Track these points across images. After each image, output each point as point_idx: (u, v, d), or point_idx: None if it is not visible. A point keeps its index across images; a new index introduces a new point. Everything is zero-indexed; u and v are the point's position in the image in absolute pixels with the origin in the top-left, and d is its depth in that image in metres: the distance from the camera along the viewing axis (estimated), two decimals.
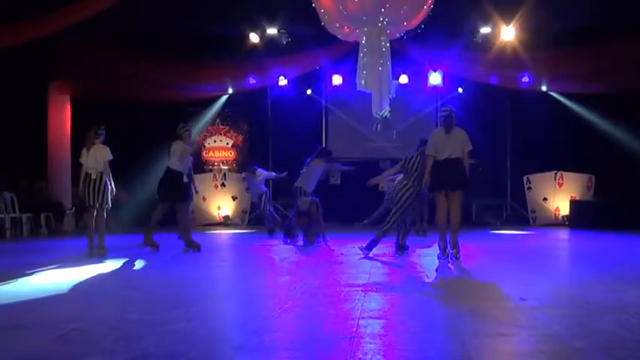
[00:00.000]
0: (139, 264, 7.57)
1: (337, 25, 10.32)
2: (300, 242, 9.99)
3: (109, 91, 13.94)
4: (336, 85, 15.76)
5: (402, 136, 15.58)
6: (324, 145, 16.33)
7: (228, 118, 16.64)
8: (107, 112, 12.57)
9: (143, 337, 3.68)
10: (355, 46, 10.77)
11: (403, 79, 15.35)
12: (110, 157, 8.32)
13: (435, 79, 15.64)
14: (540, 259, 8.33)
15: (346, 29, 10.38)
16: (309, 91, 16.12)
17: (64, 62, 13.61)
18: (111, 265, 7.49)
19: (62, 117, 14.54)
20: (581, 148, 14.77)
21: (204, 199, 15.08)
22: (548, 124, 15.28)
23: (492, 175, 15.39)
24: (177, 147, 8.80)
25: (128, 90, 14.11)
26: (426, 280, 6.21)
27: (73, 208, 13.81)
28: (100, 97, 13.87)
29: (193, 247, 8.92)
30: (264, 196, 11.61)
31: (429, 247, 9.03)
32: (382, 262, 7.64)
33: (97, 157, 8.26)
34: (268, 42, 14.46)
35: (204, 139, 16.57)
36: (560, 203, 14.86)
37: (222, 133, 16.70)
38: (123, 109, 14.14)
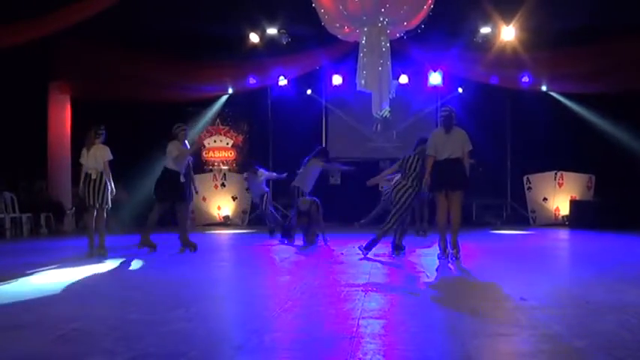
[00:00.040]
0: (139, 264, 7.57)
1: (337, 25, 10.32)
2: (299, 242, 9.99)
3: (109, 91, 13.94)
4: (336, 85, 15.76)
5: (402, 136, 15.57)
6: (324, 145, 16.36)
7: (229, 118, 16.64)
8: (107, 112, 12.57)
9: (143, 337, 3.68)
10: (355, 46, 10.76)
11: (403, 79, 15.35)
12: (110, 157, 8.32)
13: (435, 79, 15.64)
14: (540, 259, 8.33)
15: (346, 29, 10.37)
16: (309, 91, 16.12)
17: (64, 62, 13.61)
18: (111, 265, 7.49)
19: (62, 117, 14.55)
20: (581, 148, 14.77)
21: (204, 199, 15.08)
22: (548, 124, 15.27)
23: (492, 175, 15.39)
24: (173, 147, 8.81)
25: (128, 90, 14.11)
26: (426, 280, 6.21)
27: (73, 208, 13.81)
28: (100, 97, 13.87)
29: (190, 247, 8.93)
30: (265, 196, 11.61)
31: (429, 247, 9.03)
32: (382, 262, 7.63)
33: (97, 157, 8.26)
34: (268, 42, 14.46)
35: (204, 139, 16.57)
36: (560, 203, 14.86)
37: (222, 133, 16.70)
38: (123, 109, 14.14)
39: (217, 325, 4.22)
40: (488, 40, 14.19)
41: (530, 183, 15.24)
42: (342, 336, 3.70)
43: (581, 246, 10.76)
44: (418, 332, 3.86)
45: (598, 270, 6.86)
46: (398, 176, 8.28)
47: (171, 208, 8.98)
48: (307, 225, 9.82)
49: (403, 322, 4.19)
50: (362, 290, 5.36)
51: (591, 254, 9.16)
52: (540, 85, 15.36)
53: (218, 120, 16.58)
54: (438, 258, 7.59)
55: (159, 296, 5.24)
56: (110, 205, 8.52)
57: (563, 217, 14.76)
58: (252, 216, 15.38)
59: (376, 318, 4.24)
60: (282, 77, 15.49)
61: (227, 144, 16.71)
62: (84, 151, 8.37)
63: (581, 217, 13.94)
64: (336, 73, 15.57)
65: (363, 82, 10.15)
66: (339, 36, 10.83)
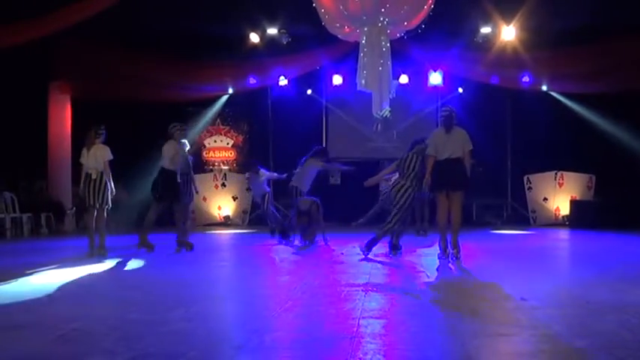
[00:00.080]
0: (139, 264, 7.57)
1: (338, 24, 10.31)
2: (297, 242, 9.98)
3: (109, 91, 13.94)
4: (336, 85, 15.76)
5: (403, 136, 15.54)
6: (324, 144, 16.36)
7: (229, 118, 16.64)
8: (107, 112, 12.56)
9: (143, 337, 3.68)
10: (355, 46, 10.76)
11: (403, 79, 15.35)
12: (110, 157, 8.31)
13: (436, 79, 15.64)
14: (541, 259, 8.33)
15: (346, 29, 10.37)
16: (309, 91, 16.12)
17: (64, 62, 13.61)
18: (111, 265, 7.49)
19: (62, 117, 14.55)
20: (581, 148, 14.76)
21: (204, 199, 15.07)
22: (548, 124, 15.26)
23: (493, 175, 15.39)
24: (169, 147, 8.82)
25: (128, 90, 14.11)
26: (427, 280, 6.20)
27: (74, 208, 13.81)
28: (101, 97, 13.87)
29: (186, 246, 8.93)
30: (266, 195, 11.61)
31: (429, 246, 9.02)
32: (382, 262, 7.63)
33: (97, 157, 8.26)
34: (269, 42, 14.46)
35: (205, 139, 16.57)
36: (560, 203, 14.86)
37: (222, 133, 16.70)
38: (123, 109, 14.14)
39: (217, 324, 4.21)
40: (488, 39, 14.19)
41: (530, 183, 15.24)
42: (343, 336, 3.69)
43: (582, 246, 10.75)
44: (418, 332, 3.85)
45: (598, 270, 6.86)
46: (396, 176, 8.26)
47: (168, 208, 8.98)
48: (307, 225, 9.81)
49: (403, 322, 4.19)
50: (362, 290, 5.36)
51: (592, 254, 9.16)
52: (541, 85, 15.36)
53: (218, 120, 16.59)
54: (439, 258, 7.59)
55: (159, 296, 5.24)
56: (110, 205, 8.52)
57: (563, 217, 14.76)
58: (253, 216, 15.38)
59: (376, 318, 4.24)
60: (282, 77, 15.49)
61: (227, 144, 16.71)
62: (84, 151, 8.37)
63: (581, 217, 13.93)
64: (337, 73, 15.58)
65: (363, 81, 10.15)
66: (339, 36, 10.82)
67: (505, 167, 16.28)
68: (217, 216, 15.55)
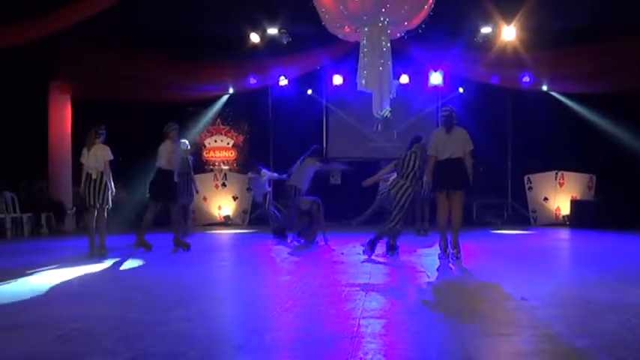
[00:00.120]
0: (138, 264, 7.56)
1: (338, 24, 10.30)
2: (289, 241, 9.97)
3: (109, 91, 13.94)
4: (336, 85, 15.76)
5: (403, 136, 15.49)
6: (324, 144, 16.37)
7: (229, 118, 16.64)
8: (107, 112, 12.56)
9: (143, 337, 3.68)
10: (356, 46, 10.74)
11: (404, 78, 15.35)
12: (110, 156, 8.31)
13: (436, 78, 15.64)
14: (541, 259, 8.33)
15: (347, 29, 10.35)
16: (309, 91, 16.12)
17: (65, 62, 13.60)
18: (111, 265, 7.49)
19: (63, 117, 14.54)
20: (582, 147, 14.75)
21: (204, 199, 15.07)
22: (549, 124, 15.25)
23: (493, 174, 15.38)
24: (165, 147, 8.85)
25: (129, 90, 14.10)
26: (427, 279, 6.20)
27: (74, 208, 13.81)
28: (101, 97, 13.86)
29: (183, 246, 8.94)
30: (267, 195, 11.63)
31: (430, 246, 9.01)
32: (383, 262, 7.62)
33: (98, 156, 8.26)
34: (269, 42, 14.46)
35: (205, 139, 16.57)
36: (561, 203, 14.85)
37: (222, 133, 16.70)
38: (123, 109, 14.13)
39: (217, 324, 4.21)
40: (488, 39, 14.19)
41: (531, 183, 15.23)
42: (343, 335, 3.69)
43: (582, 246, 10.74)
44: (418, 332, 3.85)
45: (599, 270, 6.85)
46: (394, 176, 8.25)
47: (165, 208, 8.99)
48: (308, 225, 9.81)
49: (404, 322, 4.19)
50: (362, 290, 5.35)
51: (592, 254, 9.15)
52: (541, 85, 15.35)
53: (219, 120, 16.58)
54: (439, 258, 7.58)
55: (159, 296, 5.23)
56: (111, 205, 8.52)
57: (564, 216, 14.75)
58: (253, 216, 15.38)
59: (377, 318, 4.23)
60: (282, 77, 15.49)
61: (228, 144, 16.71)
62: (84, 151, 8.36)
63: (582, 216, 13.92)
64: (337, 73, 15.58)
65: (363, 81, 10.14)
66: (339, 36, 10.81)
67: (505, 167, 16.27)
68: (217, 216, 15.54)
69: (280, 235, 10.24)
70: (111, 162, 8.32)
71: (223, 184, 15.57)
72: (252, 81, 15.42)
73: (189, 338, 3.64)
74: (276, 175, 12.08)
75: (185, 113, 15.63)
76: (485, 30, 14.05)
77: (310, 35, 13.31)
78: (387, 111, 10.62)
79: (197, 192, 11.88)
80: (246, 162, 15.85)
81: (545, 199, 15.05)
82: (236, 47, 14.24)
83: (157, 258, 8.22)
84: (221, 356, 3.34)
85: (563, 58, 13.94)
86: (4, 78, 13.05)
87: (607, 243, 10.68)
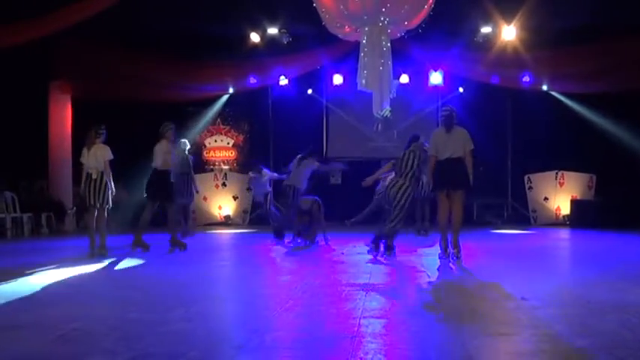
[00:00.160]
0: (139, 264, 7.56)
1: (338, 24, 10.31)
2: (287, 241, 9.96)
3: (109, 91, 13.94)
4: (336, 85, 15.77)
5: (403, 135, 15.44)
6: (325, 144, 16.38)
7: (229, 117, 16.64)
8: (108, 112, 12.56)
9: (143, 337, 3.67)
10: (356, 46, 10.75)
11: (404, 78, 15.35)
12: (111, 156, 8.31)
13: (436, 78, 15.64)
14: (541, 259, 8.32)
15: (347, 29, 10.36)
16: (309, 91, 16.12)
17: (65, 62, 13.61)
18: (111, 265, 7.49)
19: (63, 117, 14.54)
20: (582, 147, 14.75)
21: (205, 198, 15.08)
22: (549, 124, 15.25)
23: (493, 174, 15.38)
24: (160, 147, 8.86)
25: (129, 90, 14.11)
26: (427, 279, 6.20)
27: (74, 208, 13.81)
28: (101, 96, 13.87)
29: (179, 246, 8.94)
30: (269, 195, 11.63)
31: (430, 246, 9.01)
32: (383, 262, 7.62)
33: (98, 156, 8.26)
34: (269, 41, 14.46)
35: (205, 139, 16.57)
36: (561, 203, 14.85)
37: (222, 132, 16.70)
38: (123, 109, 14.13)
39: (218, 324, 4.21)
40: (489, 39, 14.19)
41: (531, 182, 15.23)
42: (343, 335, 3.69)
43: (583, 245, 10.74)
44: (419, 332, 3.85)
45: (599, 269, 6.85)
46: (392, 175, 8.24)
47: (162, 208, 9.00)
48: (309, 224, 9.80)
49: (404, 322, 4.19)
50: (363, 290, 5.35)
51: (592, 254, 9.15)
52: (541, 85, 15.35)
53: (219, 120, 16.59)
54: (439, 257, 7.58)
55: (159, 296, 5.23)
56: (111, 205, 8.52)
57: (564, 216, 14.75)
58: (253, 215, 15.38)
59: (377, 317, 4.23)
60: (282, 77, 15.49)
61: (228, 144, 16.71)
62: (84, 151, 8.37)
63: (582, 216, 13.92)
64: (337, 73, 15.58)
65: (363, 81, 10.14)
66: (339, 35, 10.82)
67: (506, 167, 16.27)
68: (218, 216, 15.55)
69: (278, 235, 10.24)
70: (111, 162, 8.32)
71: (223, 184, 15.58)
72: (253, 81, 15.43)
73: (189, 338, 3.63)
74: (276, 175, 12.07)
75: (185, 113, 15.64)
76: (486, 30, 14.05)
77: (310, 35, 13.32)
78: (387, 111, 10.62)
79: (197, 192, 11.90)
80: (247, 162, 15.85)
81: (546, 198, 15.05)
82: (236, 47, 14.25)
83: (157, 258, 8.22)
84: (221, 356, 3.34)
85: (564, 58, 13.94)
86: (5, 78, 13.06)
87: (607, 243, 10.68)
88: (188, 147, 11.68)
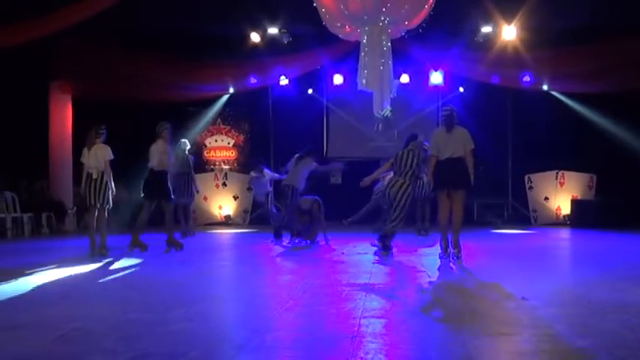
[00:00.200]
0: (139, 264, 7.57)
1: (338, 24, 10.30)
2: (286, 242, 9.96)
3: (109, 90, 13.94)
4: (337, 85, 15.76)
5: (403, 135, 15.30)
6: (325, 144, 16.37)
7: (230, 117, 16.64)
8: (108, 112, 12.56)
9: (143, 336, 3.67)
10: (356, 46, 10.75)
11: (404, 78, 15.34)
12: (111, 156, 8.31)
13: (436, 78, 15.63)
14: (542, 259, 8.32)
15: (347, 28, 10.36)
16: (310, 91, 16.11)
17: (65, 62, 13.61)
18: (111, 265, 7.49)
19: (63, 117, 14.54)
20: (582, 147, 14.74)
21: (205, 198, 15.08)
22: (549, 124, 15.24)
23: (493, 174, 15.36)
24: (157, 147, 8.88)
25: (129, 90, 14.10)
26: (428, 279, 6.20)
27: (75, 208, 13.81)
28: (101, 96, 13.86)
29: (175, 246, 8.94)
30: (269, 195, 11.64)
31: (430, 246, 9.01)
32: (383, 261, 7.61)
33: (98, 156, 8.26)
34: (269, 41, 14.46)
35: (206, 139, 16.58)
36: (561, 203, 14.85)
37: (223, 132, 16.70)
38: (124, 109, 14.13)
39: (218, 324, 4.21)
40: (489, 39, 14.19)
41: (531, 182, 15.22)
42: (344, 335, 3.69)
43: (583, 245, 10.73)
44: (419, 332, 3.85)
45: (600, 269, 6.85)
46: (390, 174, 8.22)
47: (159, 208, 9.00)
48: (309, 224, 9.80)
49: (404, 322, 4.18)
50: (363, 290, 5.35)
51: (593, 254, 9.14)
52: (541, 85, 15.34)
53: (219, 119, 16.58)
54: (440, 257, 7.57)
55: (159, 296, 5.24)
56: (111, 205, 8.52)
57: (564, 216, 14.75)
58: (254, 215, 15.38)
59: (377, 317, 4.23)
60: (283, 77, 15.48)
61: (228, 143, 16.71)
62: (85, 151, 8.37)
63: (582, 216, 13.91)
64: (337, 73, 15.57)
65: (364, 81, 10.14)
66: (340, 35, 10.81)
67: (506, 167, 16.25)
68: (218, 215, 15.55)
69: (277, 235, 10.22)
70: (111, 161, 8.32)
71: (224, 184, 15.57)
72: (253, 81, 15.42)
73: (189, 338, 3.63)
74: (277, 175, 12.08)
75: (185, 113, 15.65)
76: (486, 29, 14.05)
77: (311, 35, 13.32)
78: (387, 110, 10.62)
79: (197, 192, 11.90)
80: (247, 162, 15.85)
81: (546, 198, 15.04)
82: (236, 47, 14.25)
83: (157, 258, 8.22)
84: (222, 356, 3.33)
85: (564, 58, 13.93)
86: (5, 78, 13.06)
87: (608, 242, 10.68)
88: (188, 147, 11.68)
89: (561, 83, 15.04)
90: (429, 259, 7.78)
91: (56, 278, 6.31)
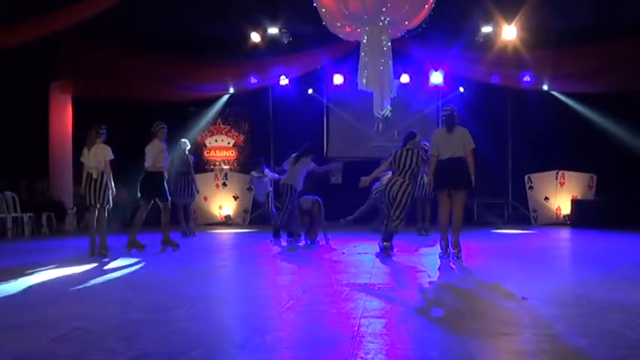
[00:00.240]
0: (139, 264, 7.57)
1: (338, 24, 10.31)
2: (284, 243, 9.95)
3: (109, 90, 13.94)
4: (337, 85, 15.75)
5: (403, 135, 15.51)
6: (325, 144, 16.37)
7: (230, 117, 16.63)
8: (108, 112, 12.57)
9: (144, 336, 3.68)
10: (356, 46, 10.76)
11: (404, 78, 15.34)
12: (111, 156, 8.31)
13: (437, 78, 15.63)
14: (542, 259, 8.32)
15: (347, 28, 10.37)
16: (310, 91, 16.10)
17: (65, 62, 13.62)
18: (112, 264, 7.50)
19: (64, 116, 14.54)
20: (582, 147, 14.74)
21: (205, 198, 15.07)
22: (549, 124, 15.24)
23: (494, 174, 15.36)
24: (152, 146, 8.89)
25: (129, 90, 14.11)
26: (428, 279, 6.20)
27: (75, 208, 13.81)
28: (101, 96, 13.87)
29: (171, 246, 8.94)
30: (270, 195, 11.64)
31: (430, 246, 9.01)
32: (383, 261, 7.62)
33: (98, 156, 8.26)
34: (269, 41, 14.46)
35: (206, 139, 16.58)
36: (561, 202, 14.84)
37: (223, 132, 16.70)
38: (124, 109, 14.13)
39: (219, 324, 4.21)
40: (489, 39, 14.19)
41: (531, 182, 15.21)
42: (344, 335, 3.69)
43: (583, 245, 10.74)
44: (419, 331, 3.85)
45: (600, 269, 6.85)
46: (389, 174, 8.21)
47: (154, 207, 9.02)
48: (309, 224, 9.80)
49: (404, 322, 4.19)
50: (363, 289, 5.35)
51: (593, 253, 9.14)
52: (542, 85, 15.32)
53: (219, 119, 16.58)
54: (440, 257, 7.57)
55: (160, 296, 5.24)
56: (111, 205, 8.52)
57: (564, 216, 14.74)
58: (254, 215, 15.37)
59: (377, 317, 4.23)
60: (283, 77, 15.48)
61: (228, 143, 16.71)
62: (85, 151, 8.36)
63: (582, 216, 13.91)
64: (338, 73, 15.56)
65: (364, 81, 10.15)
66: (340, 35, 10.82)
67: (506, 167, 16.24)
68: (218, 215, 15.54)
69: (276, 235, 10.20)
70: (111, 161, 8.32)
71: (224, 184, 15.57)
72: (253, 80, 15.41)
73: (190, 338, 3.64)
74: (276, 175, 12.07)
75: (185, 113, 15.65)
76: (486, 29, 14.05)
77: (311, 35, 13.33)
78: (387, 110, 10.63)
79: (198, 192, 11.90)
80: (247, 162, 15.85)
81: (546, 198, 15.04)
82: (237, 47, 14.25)
83: (158, 258, 8.23)
84: (222, 356, 3.34)
85: (564, 58, 13.93)
86: (5, 78, 13.06)
87: (608, 242, 10.68)
88: (188, 147, 11.68)
89: (561, 83, 15.04)
90: (429, 259, 7.78)
91: (57, 278, 6.32)
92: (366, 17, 9.83)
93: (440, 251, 7.65)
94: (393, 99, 10.66)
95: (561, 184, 14.86)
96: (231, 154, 16.67)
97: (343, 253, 8.59)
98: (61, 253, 8.95)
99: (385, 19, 9.84)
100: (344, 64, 14.69)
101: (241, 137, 16.71)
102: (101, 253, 8.22)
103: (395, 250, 8.09)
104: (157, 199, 8.98)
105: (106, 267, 7.27)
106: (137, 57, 13.81)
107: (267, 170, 11.73)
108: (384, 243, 8.01)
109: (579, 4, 12.70)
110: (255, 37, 14.31)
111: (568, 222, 14.50)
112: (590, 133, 14.55)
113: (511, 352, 3.45)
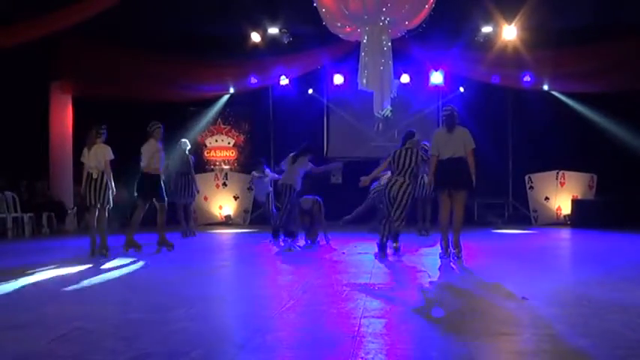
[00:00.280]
0: (139, 264, 7.57)
1: (339, 24, 10.32)
2: (282, 243, 9.94)
3: (110, 90, 13.95)
4: (337, 85, 15.76)
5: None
6: (325, 144, 16.37)
7: (230, 117, 16.64)
8: (108, 112, 12.57)
9: (145, 336, 3.68)
10: (357, 46, 10.76)
11: (404, 78, 15.34)
12: (111, 156, 8.31)
13: (437, 78, 15.63)
14: (542, 259, 8.32)
15: (348, 28, 10.38)
16: (310, 91, 16.10)
17: (66, 62, 13.63)
18: (112, 264, 7.49)
19: (64, 116, 14.54)
20: (582, 147, 14.74)
21: (205, 198, 15.07)
22: (549, 124, 15.24)
23: (494, 174, 15.35)
24: (148, 146, 8.88)
25: (129, 90, 14.11)
26: (428, 279, 6.20)
27: (75, 208, 13.81)
28: (102, 96, 13.87)
29: (167, 246, 8.95)
30: (270, 194, 11.63)
31: (431, 246, 9.01)
32: (384, 261, 7.61)
33: (99, 156, 8.26)
34: (270, 41, 14.47)
35: (206, 139, 16.58)
36: (562, 202, 14.84)
37: (223, 132, 16.70)
38: (124, 109, 14.13)
39: (219, 324, 4.21)
40: (489, 39, 14.19)
41: (531, 182, 15.21)
42: (344, 335, 3.69)
43: (583, 245, 10.73)
44: (419, 331, 3.85)
45: (600, 269, 6.84)
46: (388, 173, 8.21)
47: (151, 207, 9.03)
48: (309, 224, 9.79)
49: (405, 322, 4.19)
50: (363, 289, 5.35)
51: (593, 253, 9.14)
52: (542, 85, 15.32)
53: (219, 119, 16.58)
54: (440, 257, 7.57)
55: (160, 296, 5.23)
56: (111, 205, 8.51)
57: (565, 216, 14.74)
58: (254, 215, 15.37)
59: (378, 317, 4.23)
60: (283, 77, 15.48)
61: (229, 143, 16.71)
62: (85, 151, 8.36)
63: (583, 216, 13.91)
64: (338, 73, 15.57)
65: (364, 81, 10.15)
66: (340, 35, 10.83)
67: (506, 167, 16.24)
68: (218, 215, 15.54)
69: (275, 235, 10.17)
70: (112, 161, 8.32)
71: (224, 184, 15.57)
72: (253, 80, 15.42)
73: (190, 338, 3.64)
74: (277, 175, 12.06)
75: (186, 113, 15.65)
76: (486, 29, 14.05)
77: (311, 35, 13.33)
78: (387, 110, 10.63)
79: (198, 192, 11.90)
80: (247, 162, 15.85)
81: (546, 198, 15.03)
82: (237, 47, 14.25)
83: (157, 258, 8.23)
84: (222, 356, 3.34)
85: (564, 58, 13.94)
86: (5, 78, 13.06)
87: (608, 242, 10.67)
88: (189, 147, 11.68)
89: (561, 83, 15.04)
90: (429, 259, 7.78)
91: (57, 278, 6.32)
92: (366, 17, 9.83)
93: (440, 251, 7.65)
94: (393, 99, 10.66)
95: (562, 184, 14.85)
96: (232, 154, 16.68)
97: (343, 253, 8.59)
98: (61, 253, 8.95)
99: (385, 19, 9.85)
100: (344, 64, 14.69)
101: (241, 137, 16.71)
102: (102, 253, 8.22)
103: (400, 249, 8.09)
104: (154, 200, 8.98)
105: (105, 267, 7.27)
106: (137, 57, 13.81)
107: (267, 170, 11.73)
108: (395, 244, 8.04)
109: (579, 4, 12.69)
110: (256, 37, 14.32)
111: (568, 222, 14.50)
112: (590, 133, 14.55)
113: (511, 352, 3.45)
